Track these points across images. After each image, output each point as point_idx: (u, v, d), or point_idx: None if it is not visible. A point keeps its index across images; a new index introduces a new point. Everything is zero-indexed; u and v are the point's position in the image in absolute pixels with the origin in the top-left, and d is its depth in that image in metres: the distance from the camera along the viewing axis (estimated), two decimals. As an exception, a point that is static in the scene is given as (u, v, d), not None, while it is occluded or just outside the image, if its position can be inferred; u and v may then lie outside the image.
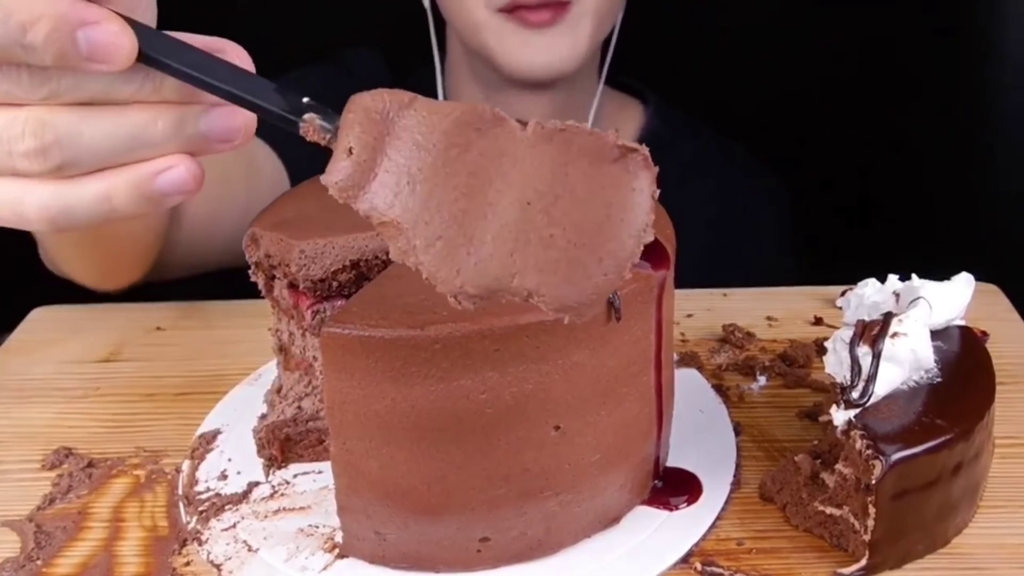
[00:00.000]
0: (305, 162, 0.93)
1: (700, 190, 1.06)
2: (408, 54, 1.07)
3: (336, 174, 0.42)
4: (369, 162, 0.43)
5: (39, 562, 0.59)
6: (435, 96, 1.01)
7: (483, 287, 0.43)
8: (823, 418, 0.59)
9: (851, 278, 0.70)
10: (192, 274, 0.94)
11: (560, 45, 0.93)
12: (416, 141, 0.43)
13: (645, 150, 0.43)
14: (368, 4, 1.15)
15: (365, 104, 0.43)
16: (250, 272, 0.66)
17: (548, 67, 0.94)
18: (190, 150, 0.46)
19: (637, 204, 0.43)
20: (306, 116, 0.43)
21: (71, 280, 0.87)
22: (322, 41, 0.83)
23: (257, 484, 0.65)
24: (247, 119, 0.46)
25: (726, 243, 1.08)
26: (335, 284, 0.62)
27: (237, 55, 0.45)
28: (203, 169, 0.46)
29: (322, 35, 0.94)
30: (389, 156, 0.43)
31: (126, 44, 0.42)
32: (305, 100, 0.44)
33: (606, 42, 1.02)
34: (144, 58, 0.43)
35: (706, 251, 0.94)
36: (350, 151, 0.42)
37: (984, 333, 0.75)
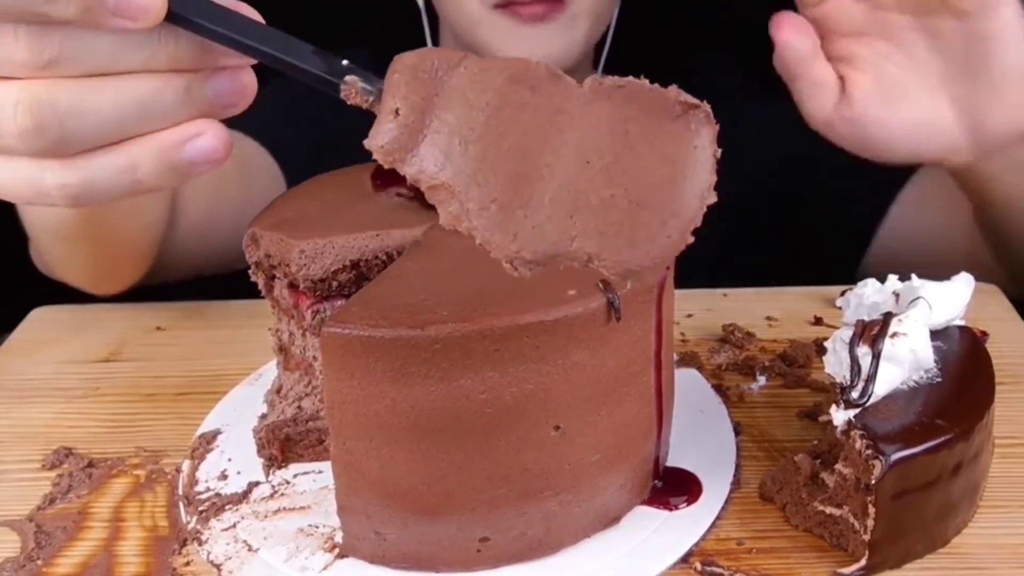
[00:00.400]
0: (300, 161, 0.93)
1: None
2: (397, 52, 1.07)
3: (382, 136, 0.41)
4: (417, 123, 0.41)
5: (39, 562, 0.59)
6: None
7: (541, 252, 0.41)
8: (823, 418, 0.59)
9: (851, 278, 0.70)
10: (188, 277, 0.94)
11: (555, 41, 0.93)
12: (467, 100, 0.41)
13: (707, 106, 0.41)
14: (357, 6, 1.15)
15: (411, 63, 0.41)
16: (250, 272, 0.66)
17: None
18: (199, 115, 0.44)
19: (700, 162, 0.41)
20: (348, 78, 0.42)
21: (64, 283, 0.87)
22: (307, 41, 0.83)
23: (257, 484, 0.65)
24: (249, 80, 0.44)
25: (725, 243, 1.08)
26: (335, 284, 0.62)
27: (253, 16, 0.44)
28: (230, 135, 0.44)
29: (311, 38, 0.94)
30: (438, 116, 0.41)
31: (156, 1, 0.39)
32: (344, 63, 0.42)
33: (602, 39, 1.02)
34: (172, 17, 0.40)
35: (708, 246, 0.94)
36: (396, 112, 0.41)
37: (984, 333, 0.75)
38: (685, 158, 0.41)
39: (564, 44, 0.94)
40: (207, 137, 0.44)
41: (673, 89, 0.41)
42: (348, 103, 0.42)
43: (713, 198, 0.41)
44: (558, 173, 0.41)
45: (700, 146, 0.41)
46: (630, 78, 0.41)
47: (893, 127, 0.68)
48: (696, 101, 0.41)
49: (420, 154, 0.41)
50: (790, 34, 0.66)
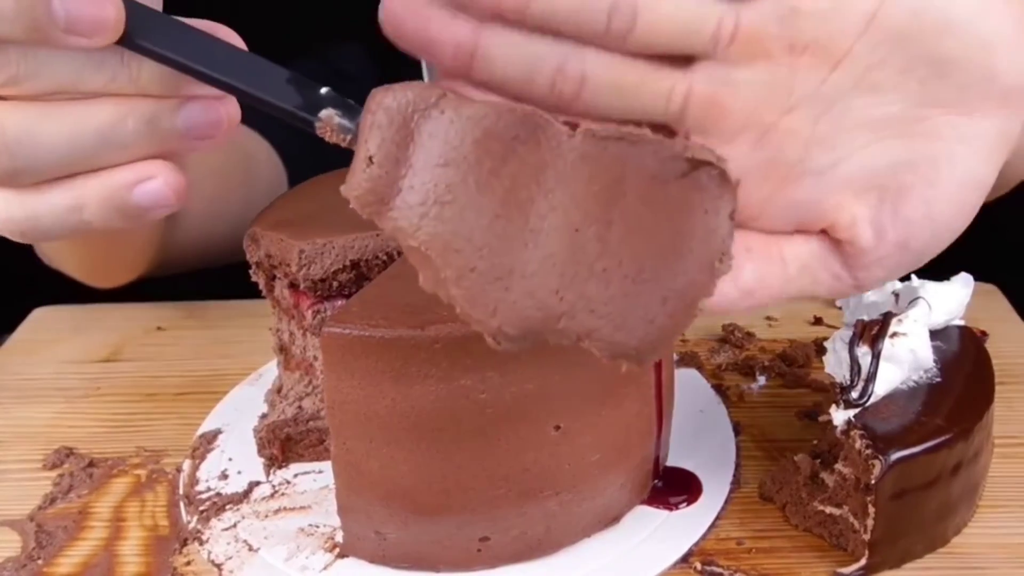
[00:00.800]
0: (304, 155, 0.92)
1: None
2: (391, 48, 1.07)
3: (355, 187, 0.36)
4: (392, 174, 0.36)
5: (40, 561, 0.59)
6: None
7: (524, 328, 0.36)
8: (823, 418, 0.59)
9: None
10: (192, 269, 0.94)
11: None
12: (443, 152, 0.36)
13: (724, 163, 0.36)
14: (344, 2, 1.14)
15: (386, 104, 0.36)
16: (251, 272, 0.66)
17: None
18: (165, 150, 0.40)
19: (711, 229, 0.36)
20: (322, 114, 0.38)
21: (66, 274, 0.87)
22: (300, 36, 0.83)
23: (258, 484, 0.65)
24: (230, 111, 0.40)
25: None
26: (335, 284, 0.62)
27: (230, 40, 0.39)
28: (186, 178, 0.40)
29: (299, 30, 0.94)
30: (413, 168, 0.36)
31: (111, 15, 0.36)
32: (323, 91, 0.38)
33: None
34: (129, 36, 0.36)
35: None
36: (370, 160, 0.36)
37: (983, 333, 0.75)
38: (692, 225, 0.36)
39: None
40: (157, 182, 0.40)
41: (680, 141, 0.36)
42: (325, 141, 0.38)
43: (728, 268, 0.36)
44: (544, 241, 0.36)
45: (711, 210, 0.36)
46: (630, 127, 0.36)
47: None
48: (710, 157, 0.36)
49: (396, 208, 0.36)
50: None
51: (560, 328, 0.36)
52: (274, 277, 0.65)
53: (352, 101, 0.38)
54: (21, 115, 0.38)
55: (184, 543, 0.60)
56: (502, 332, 0.36)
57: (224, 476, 0.65)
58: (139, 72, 0.38)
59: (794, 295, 0.45)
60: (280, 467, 0.66)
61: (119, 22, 0.36)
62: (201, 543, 0.60)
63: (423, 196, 0.36)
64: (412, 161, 0.36)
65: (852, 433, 0.55)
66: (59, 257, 0.85)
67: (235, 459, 0.67)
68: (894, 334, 0.58)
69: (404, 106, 0.36)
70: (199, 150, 0.41)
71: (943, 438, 0.54)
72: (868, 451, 0.54)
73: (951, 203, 0.43)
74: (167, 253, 0.87)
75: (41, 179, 0.39)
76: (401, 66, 1.20)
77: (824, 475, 0.58)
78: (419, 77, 1.05)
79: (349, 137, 0.38)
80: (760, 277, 0.44)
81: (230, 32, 0.40)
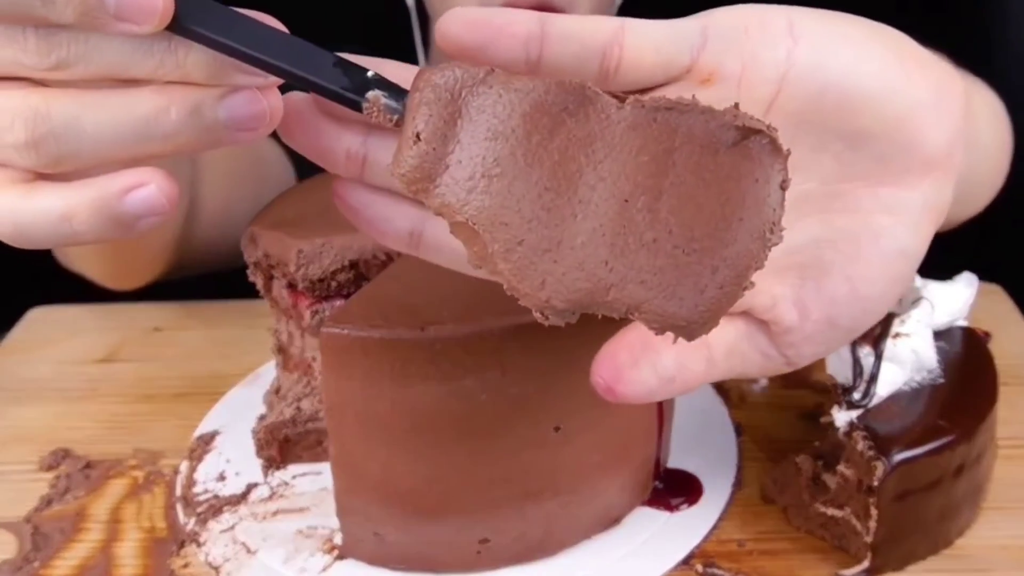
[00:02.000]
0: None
1: None
2: (387, 53, 1.07)
3: (403, 164, 0.36)
4: (440, 151, 0.36)
5: (36, 563, 0.59)
6: None
7: (573, 301, 0.36)
8: (824, 419, 0.59)
9: None
10: (206, 272, 0.94)
11: None
12: (491, 125, 0.36)
13: (774, 131, 0.36)
14: (342, 2, 1.14)
15: (434, 81, 0.36)
16: (248, 272, 0.66)
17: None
18: (205, 142, 0.39)
19: (761, 198, 0.35)
20: (369, 95, 0.38)
21: (84, 276, 0.87)
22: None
23: (256, 485, 0.65)
24: (272, 103, 0.39)
25: None
26: (334, 284, 0.62)
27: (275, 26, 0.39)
28: (178, 186, 0.40)
29: (295, 33, 0.94)
30: (461, 143, 0.36)
31: (160, 1, 0.36)
32: (370, 74, 0.38)
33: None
34: (179, 21, 0.36)
35: None
36: (417, 137, 0.36)
37: (987, 334, 0.75)
38: (743, 193, 0.35)
39: None
40: (150, 188, 0.39)
41: (730, 110, 0.36)
42: (372, 121, 0.39)
43: (779, 239, 0.36)
44: (592, 212, 0.36)
45: (762, 179, 0.35)
46: (680, 96, 0.36)
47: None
48: (760, 125, 0.35)
49: (443, 184, 0.36)
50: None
51: (609, 300, 0.36)
52: (272, 277, 0.65)
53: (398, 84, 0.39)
54: (68, 101, 0.38)
55: (182, 545, 0.60)
56: (550, 305, 0.36)
57: (222, 478, 0.65)
58: (185, 58, 0.38)
59: (722, 377, 0.45)
60: (278, 468, 0.66)
61: (168, 8, 0.36)
62: (199, 545, 0.59)
63: (471, 171, 0.36)
64: (460, 137, 0.36)
65: (854, 434, 0.55)
66: (78, 260, 0.85)
67: (233, 461, 0.67)
68: (896, 334, 0.57)
69: (452, 83, 0.36)
70: (239, 143, 0.40)
71: (946, 439, 0.54)
72: (870, 452, 0.53)
73: (877, 277, 0.42)
74: (182, 255, 0.87)
75: (84, 165, 0.39)
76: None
77: (826, 477, 0.58)
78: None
79: (396, 117, 0.38)
80: (682, 364, 0.43)
81: (272, 19, 0.39)
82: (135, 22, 0.36)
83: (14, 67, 0.38)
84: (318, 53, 0.38)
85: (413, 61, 1.04)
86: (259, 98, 0.39)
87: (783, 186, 0.36)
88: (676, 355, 0.43)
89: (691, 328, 0.36)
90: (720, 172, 0.36)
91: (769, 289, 0.42)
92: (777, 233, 0.36)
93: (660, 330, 0.36)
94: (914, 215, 0.41)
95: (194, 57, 0.38)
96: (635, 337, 0.44)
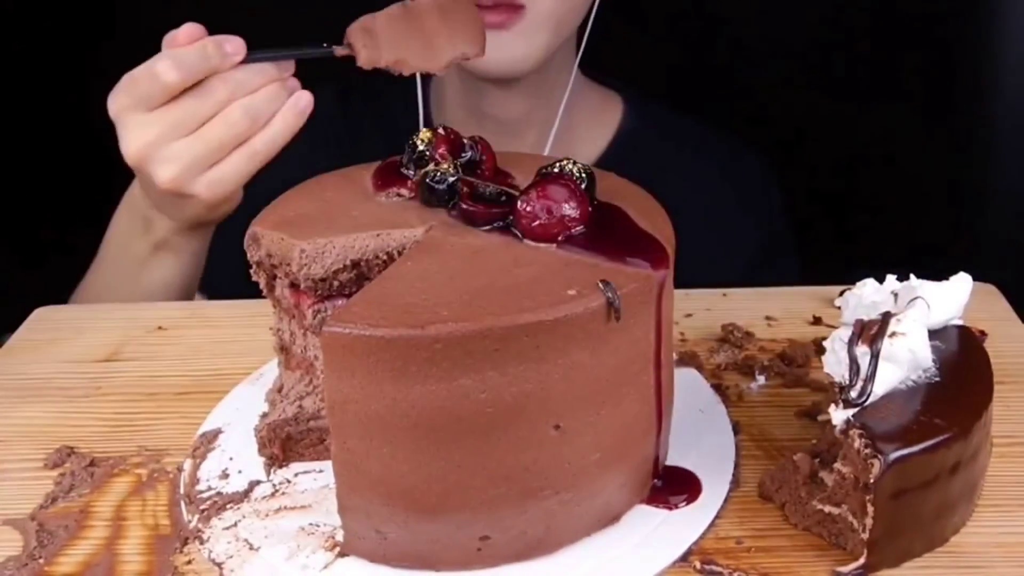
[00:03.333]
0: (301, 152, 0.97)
1: (684, 184, 1.07)
2: None
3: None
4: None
5: (41, 560, 0.59)
6: (414, 91, 1.03)
7: None
8: (822, 417, 0.59)
9: (850, 278, 0.70)
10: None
11: (513, 48, 0.95)
12: None
13: None
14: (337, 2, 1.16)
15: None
16: (251, 271, 0.66)
17: (506, 65, 0.96)
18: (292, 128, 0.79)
19: None
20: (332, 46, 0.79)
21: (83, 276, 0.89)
22: (291, 38, 0.85)
23: (258, 483, 0.65)
24: (305, 94, 0.80)
25: (721, 233, 1.08)
26: (336, 284, 0.63)
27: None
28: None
29: (291, 32, 0.95)
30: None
31: (240, 46, 0.78)
32: (324, 45, 0.80)
33: (581, 35, 1.02)
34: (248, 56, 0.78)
35: (701, 243, 0.95)
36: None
37: (982, 333, 0.75)
38: None
39: (522, 51, 0.96)
40: (304, 93, 0.80)
41: None
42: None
43: None
44: None
45: None
46: None
47: None
48: None
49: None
50: None
51: None
52: (275, 277, 0.65)
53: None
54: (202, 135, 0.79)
55: (185, 542, 0.60)
56: None
57: (225, 475, 0.66)
58: (259, 69, 0.79)
59: None
60: (281, 466, 0.66)
61: (244, 48, 0.78)
62: (202, 542, 0.60)
63: None
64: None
65: (851, 432, 0.55)
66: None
67: (236, 458, 0.67)
68: (893, 334, 0.58)
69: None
70: (297, 121, 0.80)
71: (942, 437, 0.55)
72: (867, 450, 0.54)
73: None
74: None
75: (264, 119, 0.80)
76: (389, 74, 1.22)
77: (823, 474, 0.58)
78: (412, 76, 1.05)
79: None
80: None
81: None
82: (237, 55, 0.77)
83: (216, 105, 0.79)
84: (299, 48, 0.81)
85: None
86: (301, 90, 0.80)
87: None
88: None
89: None
90: None
91: None
92: None
93: None
94: None
95: (258, 67, 0.79)
96: None
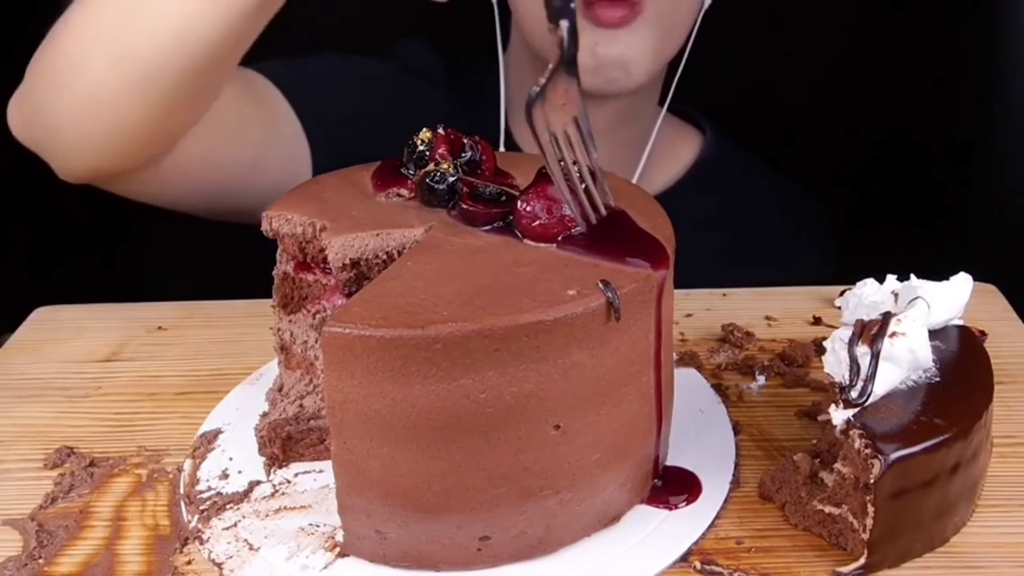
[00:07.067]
0: (331, 134, 0.95)
1: (741, 221, 1.09)
2: (454, 44, 1.08)
3: None
4: None
5: (41, 561, 0.59)
6: (497, 89, 1.03)
7: None
8: (822, 417, 0.59)
9: (850, 278, 0.70)
10: (183, 209, 0.94)
11: (628, 46, 0.94)
12: None
13: None
14: None
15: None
16: (277, 256, 0.66)
17: (619, 65, 0.95)
18: None
19: None
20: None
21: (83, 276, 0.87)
22: (367, 32, 0.84)
23: (258, 483, 0.65)
24: None
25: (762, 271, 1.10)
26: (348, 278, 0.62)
27: None
28: None
29: (366, 26, 0.95)
30: None
31: None
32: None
33: (671, 69, 1.02)
34: None
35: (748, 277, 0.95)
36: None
37: (982, 333, 0.75)
38: None
39: (637, 50, 0.95)
40: None
41: None
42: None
43: None
44: None
45: None
46: None
47: None
48: None
49: None
50: None
51: None
52: (305, 259, 0.65)
53: None
54: None
55: (185, 542, 0.60)
56: None
57: (225, 475, 0.66)
58: None
59: None
60: (281, 466, 0.66)
61: None
62: (202, 542, 0.60)
63: None
64: None
65: (851, 432, 0.55)
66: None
67: (236, 459, 0.67)
68: (893, 334, 0.58)
69: None
70: None
71: (942, 437, 0.55)
72: (867, 450, 0.54)
73: None
74: (177, 164, 0.85)
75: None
76: (469, 60, 1.24)
77: (823, 474, 0.58)
78: (490, 73, 1.05)
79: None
80: None
81: None
82: None
83: None
84: None
85: (477, 51, 1.06)
86: None
87: None
88: None
89: None
90: None
91: None
92: None
93: None
94: None
95: None
96: None
